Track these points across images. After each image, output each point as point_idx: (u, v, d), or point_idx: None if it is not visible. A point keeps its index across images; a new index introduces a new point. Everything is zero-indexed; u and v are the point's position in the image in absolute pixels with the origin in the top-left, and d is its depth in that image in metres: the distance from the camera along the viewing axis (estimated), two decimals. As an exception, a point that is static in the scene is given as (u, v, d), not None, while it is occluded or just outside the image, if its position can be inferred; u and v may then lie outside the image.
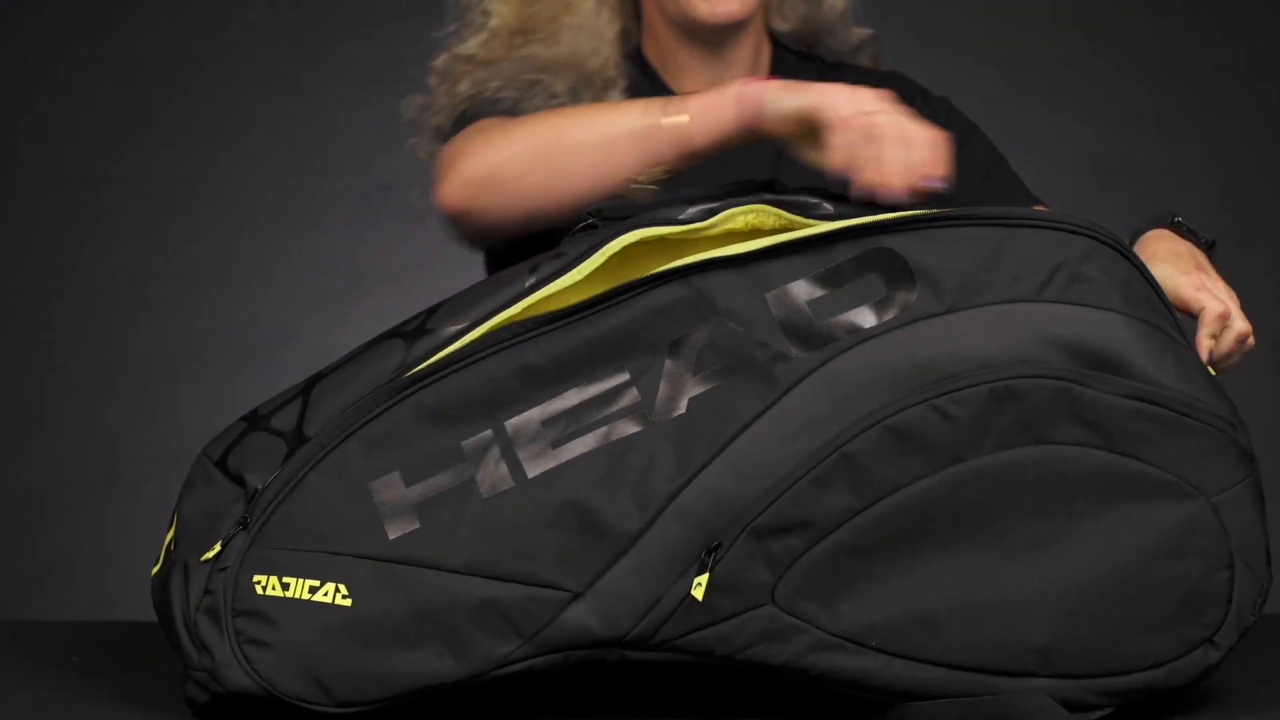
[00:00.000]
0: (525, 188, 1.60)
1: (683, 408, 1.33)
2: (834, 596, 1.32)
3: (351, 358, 1.40)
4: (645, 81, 1.83)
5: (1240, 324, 1.54)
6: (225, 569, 1.33)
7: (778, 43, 1.89)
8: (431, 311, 1.40)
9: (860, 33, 1.92)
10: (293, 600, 1.32)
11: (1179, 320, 1.38)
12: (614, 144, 1.58)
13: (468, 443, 1.34)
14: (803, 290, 1.35)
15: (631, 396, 1.34)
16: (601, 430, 1.33)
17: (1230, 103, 3.29)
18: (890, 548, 1.31)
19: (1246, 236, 3.26)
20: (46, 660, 1.57)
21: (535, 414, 1.34)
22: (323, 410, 1.37)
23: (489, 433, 1.34)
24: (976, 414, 1.31)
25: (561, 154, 1.59)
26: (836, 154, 1.46)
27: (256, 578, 1.32)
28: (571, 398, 1.34)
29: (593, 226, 1.40)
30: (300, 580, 1.32)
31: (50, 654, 1.59)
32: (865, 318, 1.34)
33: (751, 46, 1.85)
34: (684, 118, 1.56)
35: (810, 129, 1.50)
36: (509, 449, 1.33)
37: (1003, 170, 1.89)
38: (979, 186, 1.82)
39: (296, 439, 1.36)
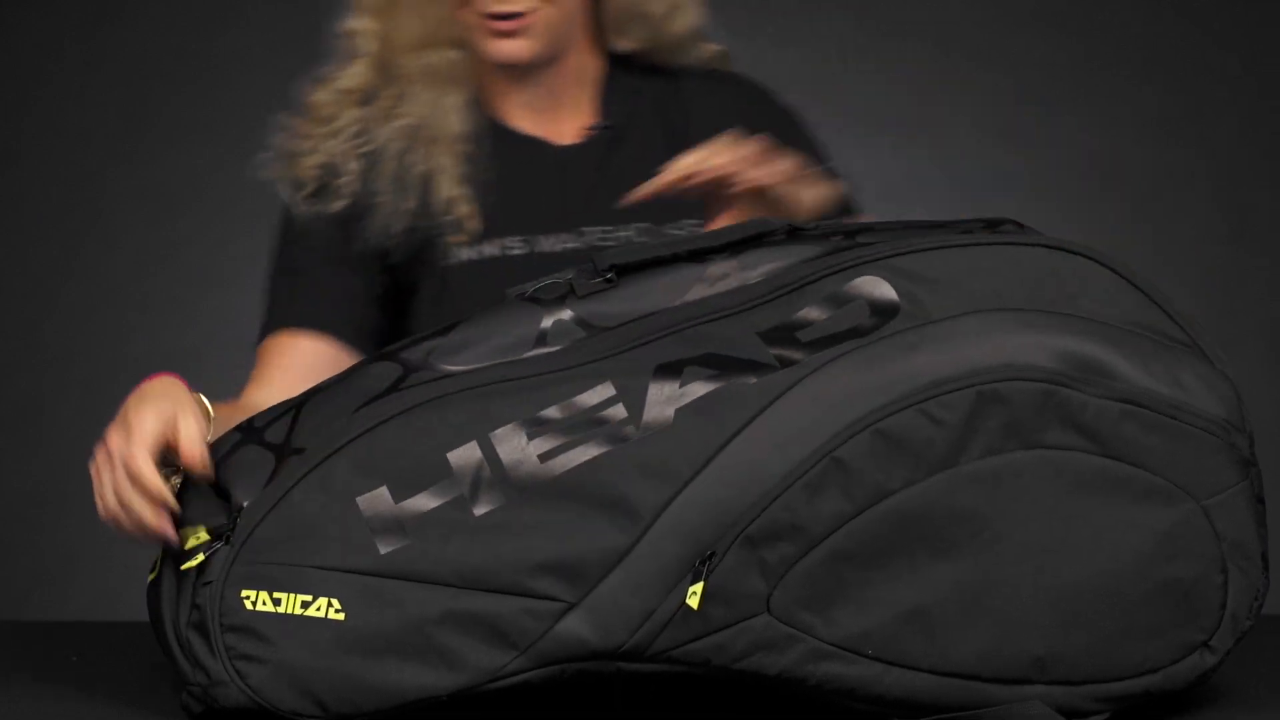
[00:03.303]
0: None
1: (670, 417, 1.33)
2: (829, 604, 1.32)
3: (348, 375, 1.40)
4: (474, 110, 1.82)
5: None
6: (210, 583, 1.33)
7: (616, 60, 1.86)
8: (433, 341, 1.39)
9: (710, 49, 1.89)
10: (285, 615, 1.32)
11: (1191, 328, 1.37)
12: None
13: (455, 457, 1.34)
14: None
15: (619, 410, 1.34)
16: (590, 443, 1.33)
17: (1228, 103, 3.29)
18: (884, 554, 1.32)
19: (1244, 236, 3.27)
20: (46, 660, 1.57)
21: (522, 428, 1.34)
22: (312, 421, 1.37)
23: (476, 447, 1.34)
24: (964, 417, 1.31)
25: None
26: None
27: (245, 593, 1.32)
28: (558, 412, 1.34)
29: (611, 281, 1.40)
30: (292, 595, 1.32)
31: (50, 654, 1.59)
32: (854, 327, 1.34)
33: (570, 68, 1.81)
34: None
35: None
36: (496, 463, 1.33)
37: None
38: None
39: (285, 451, 1.36)
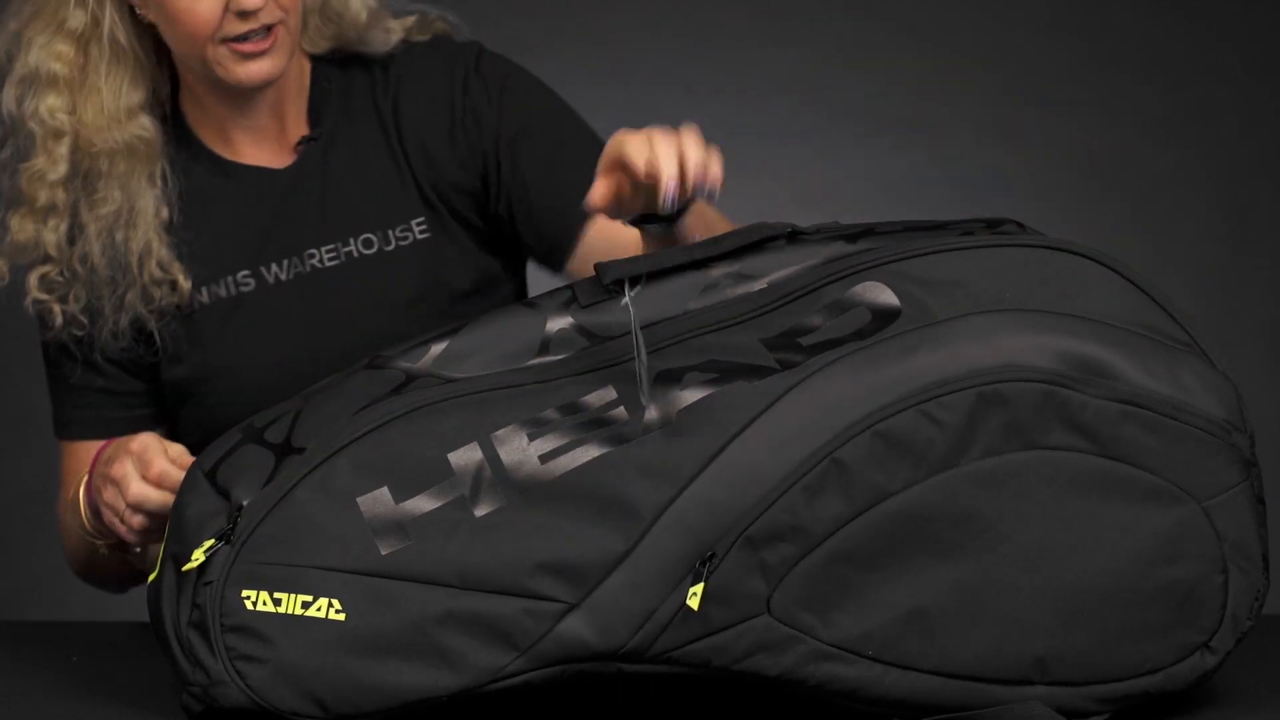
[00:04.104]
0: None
1: (671, 419, 1.33)
2: (829, 606, 1.32)
3: (350, 377, 1.40)
4: (181, 145, 1.78)
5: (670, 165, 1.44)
6: (210, 583, 1.33)
7: (316, 60, 1.81)
8: (437, 345, 1.39)
9: (404, 22, 1.82)
10: (286, 616, 1.32)
11: (1192, 329, 1.37)
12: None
13: (456, 458, 1.34)
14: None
15: (620, 411, 1.34)
16: (590, 444, 1.33)
17: (1228, 103, 3.29)
18: (884, 555, 1.32)
19: (1244, 236, 3.26)
20: (46, 660, 1.57)
21: (523, 429, 1.34)
22: (312, 421, 1.37)
23: (476, 448, 1.34)
24: (965, 418, 1.31)
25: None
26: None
27: (245, 593, 1.32)
28: (559, 413, 1.34)
29: (612, 292, 1.40)
30: (292, 595, 1.32)
31: (50, 654, 1.59)
32: (855, 331, 1.34)
33: (289, 83, 1.78)
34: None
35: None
36: (497, 464, 1.33)
37: (542, 134, 1.80)
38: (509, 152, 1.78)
39: (285, 450, 1.36)
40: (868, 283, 1.36)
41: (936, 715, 1.33)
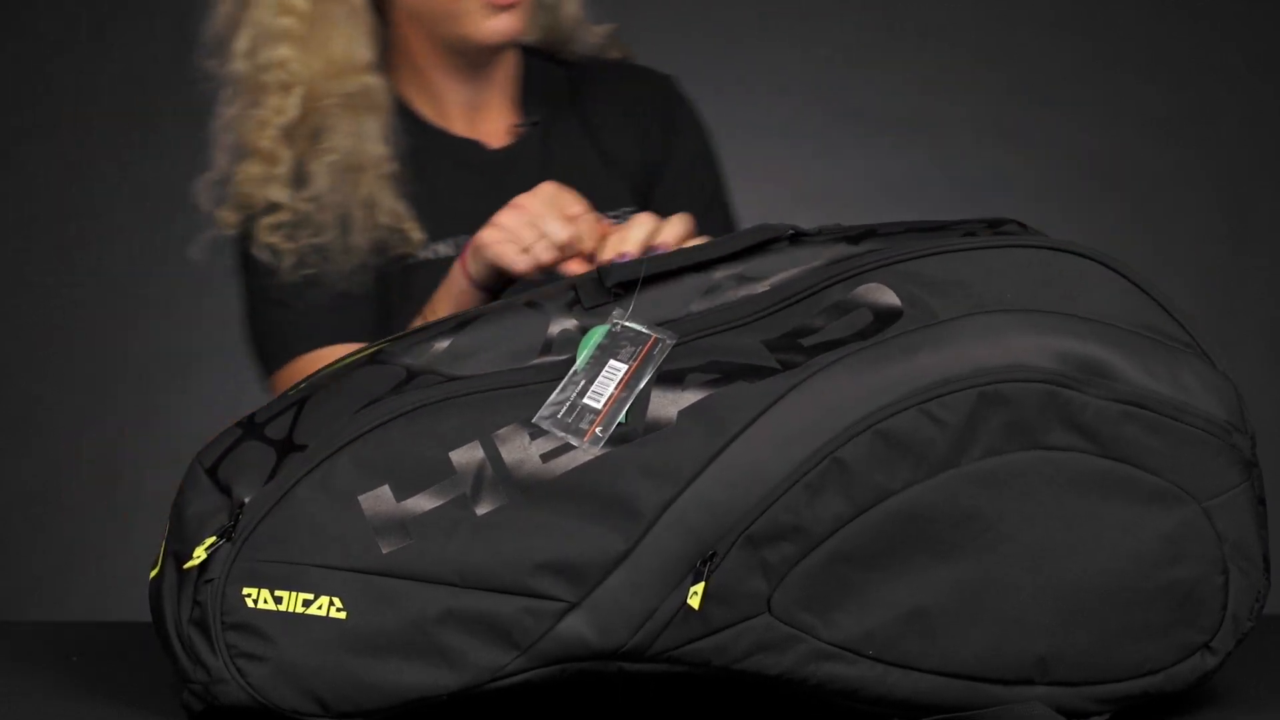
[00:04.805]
0: None
1: (672, 418, 1.33)
2: (830, 605, 1.32)
3: (352, 374, 1.40)
4: (399, 118, 1.83)
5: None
6: (211, 581, 1.33)
7: (527, 51, 1.89)
8: (439, 342, 1.40)
9: (600, 30, 1.92)
10: (286, 614, 1.32)
11: (1193, 330, 1.37)
12: None
13: (457, 456, 1.34)
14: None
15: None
16: None
17: (1229, 103, 3.29)
18: (884, 555, 1.32)
19: (1244, 236, 3.27)
20: (46, 660, 1.57)
21: (525, 428, 1.34)
22: (313, 418, 1.37)
23: (478, 446, 1.34)
24: (966, 418, 1.31)
25: None
26: (515, 262, 1.57)
27: (246, 591, 1.32)
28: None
29: (617, 295, 1.40)
30: (293, 594, 1.32)
31: (50, 654, 1.59)
32: (857, 331, 1.34)
33: (510, 62, 1.84)
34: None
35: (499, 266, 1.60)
36: (499, 462, 1.33)
37: (703, 189, 1.91)
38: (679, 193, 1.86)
39: (286, 448, 1.36)
40: (870, 284, 1.36)
41: (937, 715, 1.33)
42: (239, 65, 1.80)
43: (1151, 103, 3.27)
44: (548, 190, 1.60)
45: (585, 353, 1.36)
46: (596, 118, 1.86)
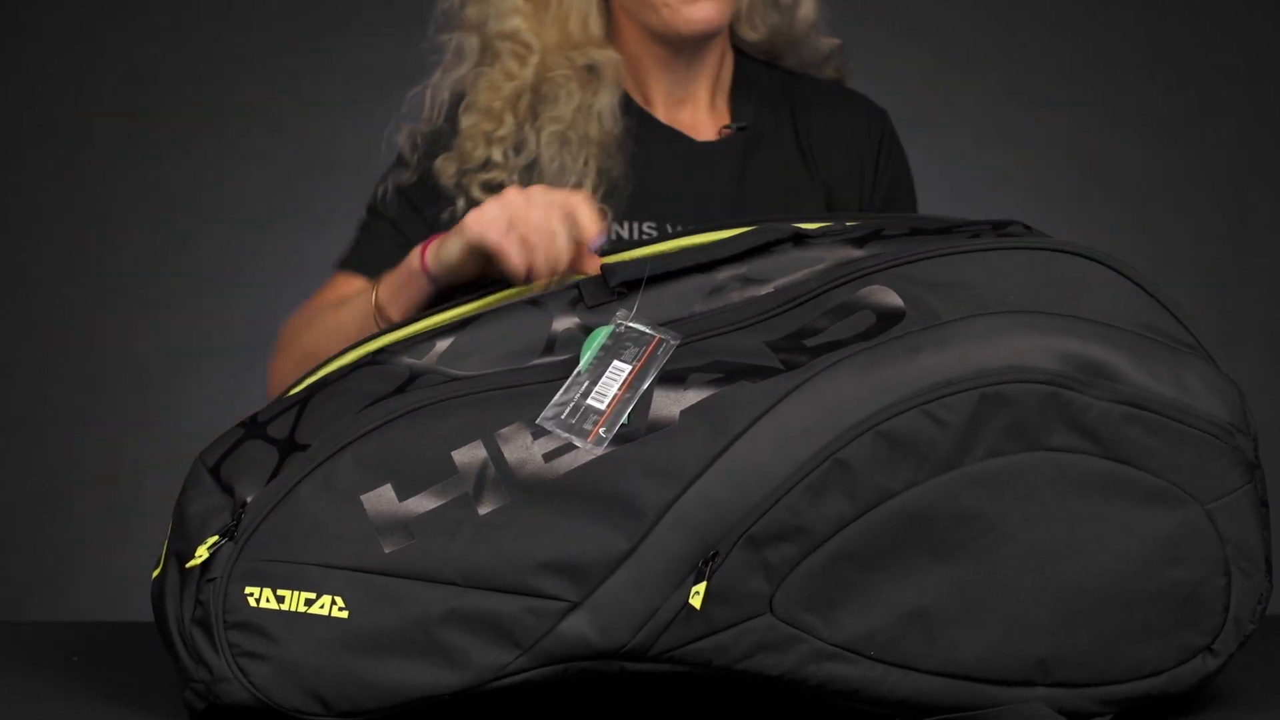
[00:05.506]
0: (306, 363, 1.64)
1: (675, 418, 1.33)
2: (832, 606, 1.32)
3: (354, 374, 1.40)
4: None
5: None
6: (214, 580, 1.33)
7: (741, 52, 1.88)
8: (442, 341, 1.40)
9: (829, 42, 1.91)
10: (289, 613, 1.32)
11: (1197, 331, 1.37)
12: (351, 335, 1.60)
13: (460, 456, 1.34)
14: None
15: (623, 409, 1.35)
16: None
17: (1228, 103, 3.29)
18: (886, 556, 1.32)
19: (1244, 236, 3.27)
20: (46, 660, 1.57)
21: (527, 427, 1.34)
22: (316, 417, 1.37)
23: (480, 446, 1.34)
24: (968, 419, 1.31)
25: (322, 348, 1.62)
26: (509, 257, 1.48)
27: (249, 590, 1.32)
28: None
29: (621, 295, 1.40)
30: (295, 593, 1.32)
31: (50, 654, 1.59)
32: (860, 333, 1.34)
33: (717, 56, 1.83)
34: (383, 311, 1.62)
35: (484, 253, 1.52)
36: (501, 462, 1.33)
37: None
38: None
39: (289, 447, 1.36)
40: (873, 286, 1.36)
41: (938, 715, 1.33)
42: (472, 35, 1.81)
43: (1152, 103, 3.27)
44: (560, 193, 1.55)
45: (589, 353, 1.36)
46: (812, 135, 1.83)
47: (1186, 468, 1.32)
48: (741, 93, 1.85)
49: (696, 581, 1.31)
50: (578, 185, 1.77)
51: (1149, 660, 1.34)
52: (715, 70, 1.84)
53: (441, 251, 1.56)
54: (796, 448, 1.32)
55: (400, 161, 1.83)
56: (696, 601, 1.31)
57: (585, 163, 1.78)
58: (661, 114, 1.83)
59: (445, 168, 1.80)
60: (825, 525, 1.31)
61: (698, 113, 1.83)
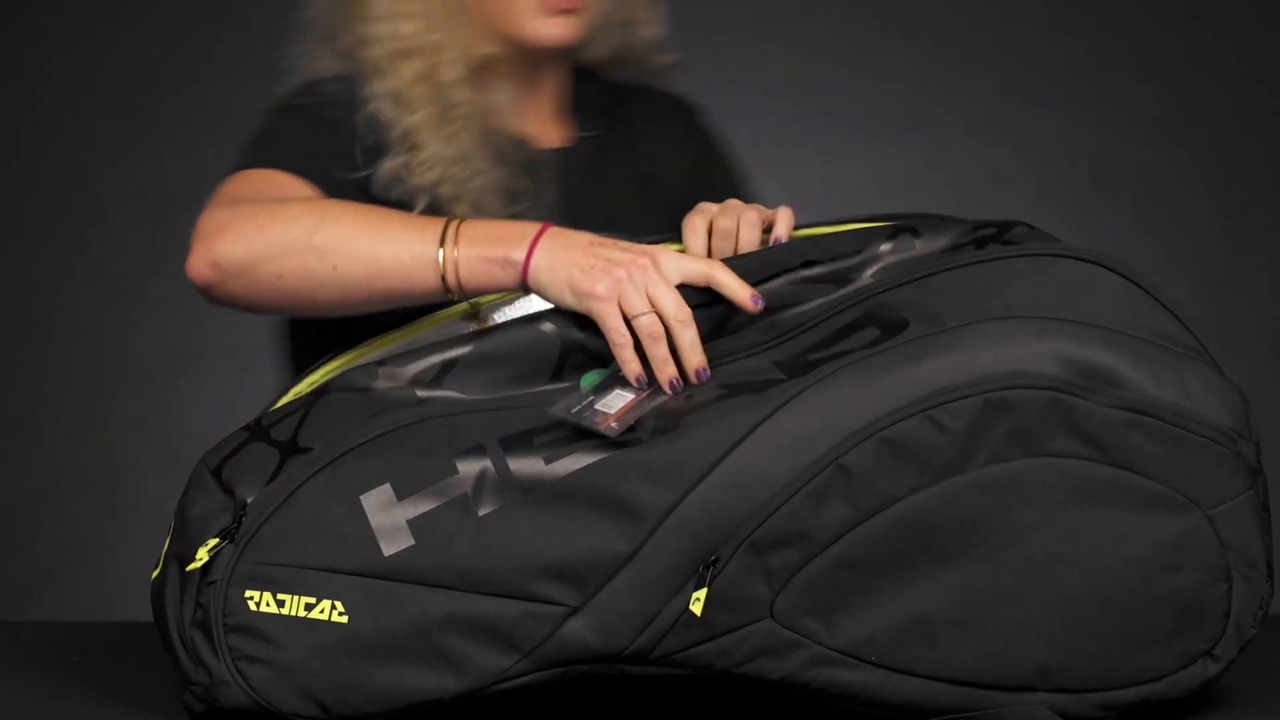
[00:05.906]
0: (282, 288, 1.49)
1: (676, 423, 1.33)
2: (833, 611, 1.32)
3: (362, 376, 1.40)
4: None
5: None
6: (214, 583, 1.33)
7: (578, 70, 1.84)
8: (449, 353, 1.39)
9: (668, 59, 1.87)
10: (288, 617, 1.32)
11: (1202, 335, 1.36)
12: (381, 274, 1.47)
13: (461, 459, 1.34)
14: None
15: (625, 414, 1.35)
16: (596, 446, 1.33)
17: (1227, 104, 3.29)
18: (888, 561, 1.31)
19: (1244, 236, 3.27)
20: (46, 660, 1.57)
21: (529, 430, 1.34)
22: (319, 421, 1.37)
23: (482, 449, 1.34)
24: (971, 425, 1.31)
25: (324, 268, 1.47)
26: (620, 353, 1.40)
27: (249, 593, 1.32)
28: (563, 413, 1.34)
29: None
30: (295, 597, 1.32)
31: (50, 654, 1.59)
32: (864, 341, 1.34)
33: (563, 74, 1.80)
34: (455, 275, 1.45)
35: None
36: (502, 465, 1.33)
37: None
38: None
39: (291, 450, 1.36)
40: (880, 299, 1.37)
41: (939, 718, 1.33)
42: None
43: (1149, 102, 3.27)
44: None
45: (590, 384, 1.37)
46: (643, 142, 1.83)
47: (1188, 474, 1.32)
48: (582, 107, 1.81)
49: (697, 587, 1.31)
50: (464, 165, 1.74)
51: (1150, 666, 1.33)
52: (551, 82, 1.80)
53: (546, 288, 1.43)
54: (798, 453, 1.32)
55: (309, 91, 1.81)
56: (697, 607, 1.31)
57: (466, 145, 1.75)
58: (508, 121, 1.80)
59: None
60: (827, 531, 1.31)
61: (536, 126, 1.81)
